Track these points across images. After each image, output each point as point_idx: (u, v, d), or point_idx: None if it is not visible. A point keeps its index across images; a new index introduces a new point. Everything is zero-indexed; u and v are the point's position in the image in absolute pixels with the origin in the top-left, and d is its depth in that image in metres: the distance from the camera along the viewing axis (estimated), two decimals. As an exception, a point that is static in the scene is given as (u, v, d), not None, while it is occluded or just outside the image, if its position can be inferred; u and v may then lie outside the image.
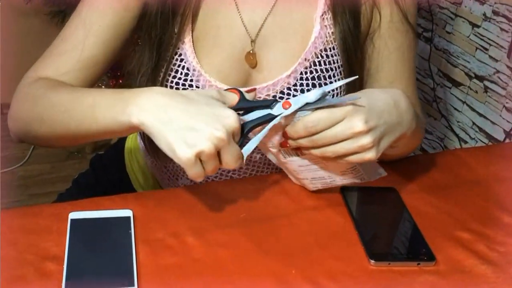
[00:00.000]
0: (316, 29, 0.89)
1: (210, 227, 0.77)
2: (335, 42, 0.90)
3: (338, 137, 0.73)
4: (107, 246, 0.72)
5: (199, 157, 0.70)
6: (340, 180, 0.81)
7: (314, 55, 0.89)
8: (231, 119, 0.70)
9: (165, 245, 0.74)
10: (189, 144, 0.69)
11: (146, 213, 0.79)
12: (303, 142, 0.75)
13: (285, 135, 0.77)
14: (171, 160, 0.97)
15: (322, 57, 0.89)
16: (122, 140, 1.13)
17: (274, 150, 0.80)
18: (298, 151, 0.79)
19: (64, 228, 0.74)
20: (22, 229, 0.75)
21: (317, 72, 0.89)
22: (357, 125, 0.72)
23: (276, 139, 0.78)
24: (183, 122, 0.70)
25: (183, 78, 0.88)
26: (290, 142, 0.77)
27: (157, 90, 0.74)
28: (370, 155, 0.74)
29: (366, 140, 0.73)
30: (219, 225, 0.78)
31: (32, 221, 0.77)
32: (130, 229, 0.75)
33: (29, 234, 0.74)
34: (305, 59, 0.88)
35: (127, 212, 0.77)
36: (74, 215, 0.76)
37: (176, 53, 0.88)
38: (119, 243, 0.73)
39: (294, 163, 0.81)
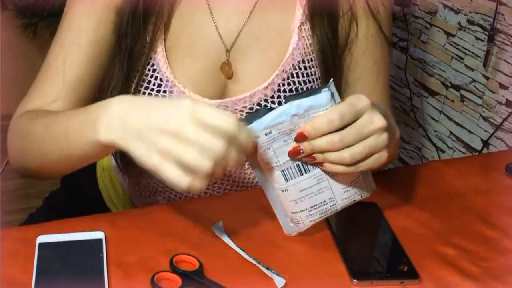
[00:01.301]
0: (294, 40, 0.87)
1: (186, 249, 0.74)
2: (313, 53, 0.88)
3: (362, 132, 0.67)
4: (78, 271, 0.69)
5: (176, 159, 0.62)
6: (340, 202, 0.74)
7: (292, 67, 0.87)
8: (188, 101, 0.63)
9: (139, 268, 0.71)
10: (160, 152, 0.62)
11: (119, 234, 0.76)
12: (323, 143, 0.68)
13: (300, 137, 0.68)
14: (143, 176, 0.96)
15: (300, 68, 0.87)
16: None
17: (276, 172, 0.73)
18: (308, 158, 0.70)
19: (32, 253, 0.71)
20: (-13, 255, 0.71)
21: (295, 84, 0.87)
22: (379, 119, 0.68)
23: (285, 153, 0.70)
24: (146, 128, 0.63)
25: (155, 89, 0.86)
26: (304, 145, 0.69)
27: (116, 99, 0.68)
28: (385, 155, 0.69)
29: (385, 136, 0.68)
30: (195, 247, 0.75)
31: (-2, 245, 0.73)
32: (102, 252, 0.71)
33: (-6, 260, 0.71)
34: (283, 71, 0.87)
35: (98, 234, 0.74)
36: (43, 238, 0.73)
37: (148, 63, 0.86)
38: (90, 267, 0.69)
39: (295, 188, 0.73)
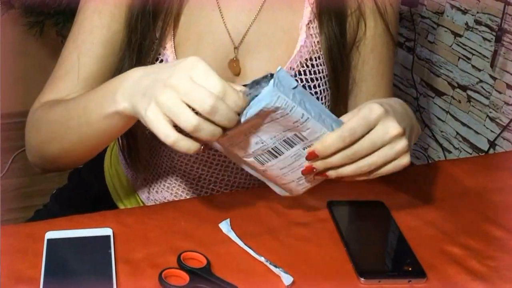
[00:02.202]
0: (302, 38, 0.88)
1: (194, 246, 0.74)
2: (320, 51, 0.88)
3: (376, 144, 0.68)
4: (86, 267, 0.69)
5: (165, 114, 0.63)
6: None
7: (299, 64, 0.87)
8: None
9: (147, 265, 0.71)
10: (156, 106, 0.64)
11: (127, 231, 0.76)
12: (337, 159, 0.69)
13: (312, 155, 0.69)
14: (150, 172, 0.96)
15: (307, 66, 0.88)
16: (102, 152, 1.10)
17: (250, 159, 0.73)
18: (320, 176, 0.71)
19: (40, 249, 0.71)
20: (-4, 250, 0.72)
21: (302, 81, 0.87)
22: (394, 127, 0.68)
23: (253, 144, 0.70)
24: (152, 84, 0.65)
25: None
26: (317, 164, 0.70)
27: (132, 69, 0.70)
28: (405, 160, 0.70)
29: (403, 143, 0.69)
30: (201, 244, 0.75)
31: (5, 241, 0.73)
32: (110, 248, 0.72)
33: (2, 256, 0.71)
34: (290, 68, 0.87)
35: (106, 231, 0.74)
36: (51, 234, 0.73)
37: (157, 59, 0.87)
38: (98, 263, 0.69)
39: (274, 168, 0.74)
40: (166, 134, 0.64)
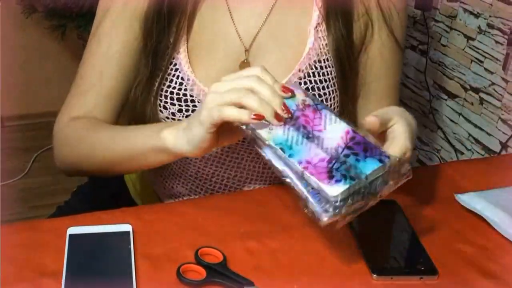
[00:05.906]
0: (310, 41, 0.90)
1: (210, 242, 0.76)
2: (329, 53, 0.91)
3: None
4: (107, 261, 0.71)
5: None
6: None
7: (308, 66, 0.89)
8: None
9: (166, 260, 0.73)
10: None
11: (146, 227, 0.78)
12: None
13: None
14: (166, 169, 0.98)
15: (316, 68, 0.90)
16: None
17: None
18: None
19: (62, 244, 0.73)
20: (19, 245, 0.74)
21: (311, 83, 0.90)
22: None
23: None
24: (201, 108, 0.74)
25: (177, 87, 0.89)
26: None
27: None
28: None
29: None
30: (218, 240, 0.77)
31: (29, 236, 0.76)
32: (130, 244, 0.74)
33: (26, 250, 0.73)
34: (299, 70, 0.89)
35: (126, 227, 0.76)
36: (73, 230, 0.75)
37: (171, 63, 0.90)
38: (118, 258, 0.72)
39: None
40: (239, 113, 0.71)
